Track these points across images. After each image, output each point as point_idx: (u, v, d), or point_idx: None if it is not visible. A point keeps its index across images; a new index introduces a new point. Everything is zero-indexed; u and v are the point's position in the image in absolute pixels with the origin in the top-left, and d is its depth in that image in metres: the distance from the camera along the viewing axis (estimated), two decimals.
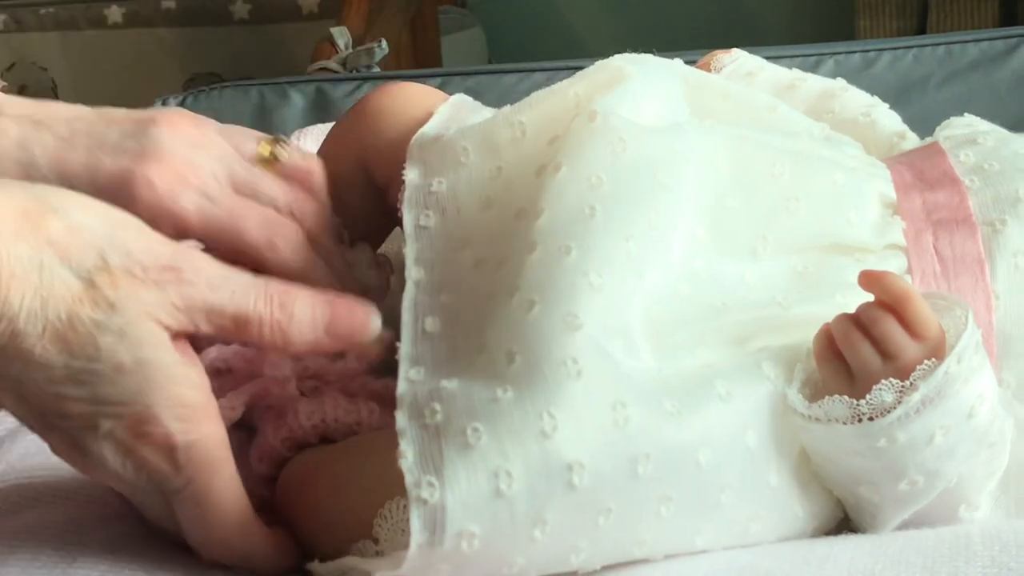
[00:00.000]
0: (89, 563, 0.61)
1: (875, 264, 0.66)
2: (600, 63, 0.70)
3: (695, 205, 0.64)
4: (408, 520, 0.54)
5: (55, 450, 0.58)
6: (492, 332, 0.58)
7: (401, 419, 0.55)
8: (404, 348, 0.59)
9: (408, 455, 0.54)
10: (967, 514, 0.62)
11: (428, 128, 0.70)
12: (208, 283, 0.56)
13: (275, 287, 0.58)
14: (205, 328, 0.57)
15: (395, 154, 0.69)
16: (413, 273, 0.63)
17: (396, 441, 0.55)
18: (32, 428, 0.57)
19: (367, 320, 0.60)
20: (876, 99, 0.84)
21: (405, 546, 0.54)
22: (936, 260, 0.68)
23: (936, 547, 0.59)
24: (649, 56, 0.72)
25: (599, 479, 0.55)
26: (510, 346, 0.56)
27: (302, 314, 0.58)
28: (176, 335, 0.56)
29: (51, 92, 2.28)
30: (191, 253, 0.57)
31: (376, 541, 0.59)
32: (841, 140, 0.77)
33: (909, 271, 0.67)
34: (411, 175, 0.67)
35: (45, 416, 0.56)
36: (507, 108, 0.68)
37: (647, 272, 0.60)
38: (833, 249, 0.67)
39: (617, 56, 0.71)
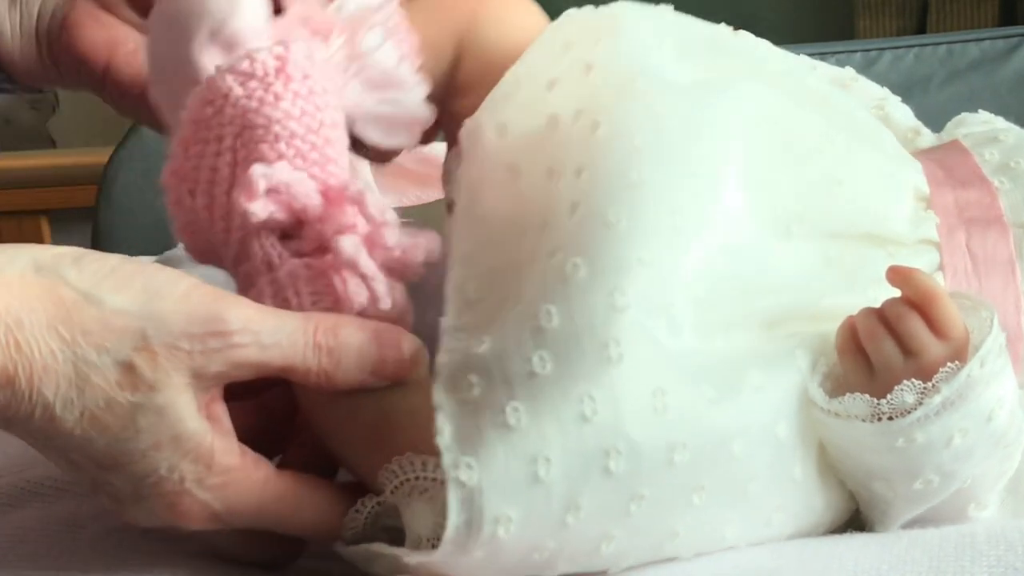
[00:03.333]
0: (87, 559, 0.61)
1: (907, 258, 0.66)
2: (589, 9, 0.67)
3: (739, 173, 0.62)
4: (417, 482, 0.54)
5: (108, 506, 0.57)
6: (529, 285, 0.57)
7: (438, 393, 0.54)
8: (449, 319, 0.58)
9: (445, 432, 0.53)
10: (976, 513, 0.62)
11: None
12: (258, 343, 0.55)
13: (323, 333, 0.57)
14: (247, 378, 0.56)
15: (498, 60, 0.66)
16: (459, 251, 0.61)
17: (418, 394, 0.55)
18: (85, 488, 0.57)
19: (415, 360, 0.59)
20: (887, 90, 0.83)
21: (414, 510, 0.54)
22: (968, 258, 0.67)
23: (941, 547, 0.58)
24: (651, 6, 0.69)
25: (636, 465, 0.54)
26: (549, 303, 0.55)
27: (349, 361, 0.57)
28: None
29: (52, 96, 2.28)
30: (237, 307, 0.55)
31: (378, 493, 0.58)
32: (881, 126, 0.76)
33: (941, 268, 0.67)
34: (458, 163, 0.65)
35: (95, 483, 0.56)
36: None
37: (691, 246, 0.59)
38: (867, 239, 0.66)
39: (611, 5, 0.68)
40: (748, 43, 0.72)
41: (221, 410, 0.56)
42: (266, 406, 0.63)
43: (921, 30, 2.23)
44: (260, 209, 0.57)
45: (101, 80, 0.69)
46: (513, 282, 0.58)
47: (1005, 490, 0.63)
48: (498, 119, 0.64)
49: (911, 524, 0.62)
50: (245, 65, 0.58)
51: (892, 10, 2.27)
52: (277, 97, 0.58)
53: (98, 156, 1.66)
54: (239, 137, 0.58)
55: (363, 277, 0.58)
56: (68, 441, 0.54)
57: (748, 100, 0.65)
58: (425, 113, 0.67)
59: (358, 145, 0.66)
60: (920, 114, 0.84)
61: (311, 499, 0.59)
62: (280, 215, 0.58)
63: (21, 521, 0.67)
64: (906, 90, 1.25)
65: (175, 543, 0.62)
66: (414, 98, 0.67)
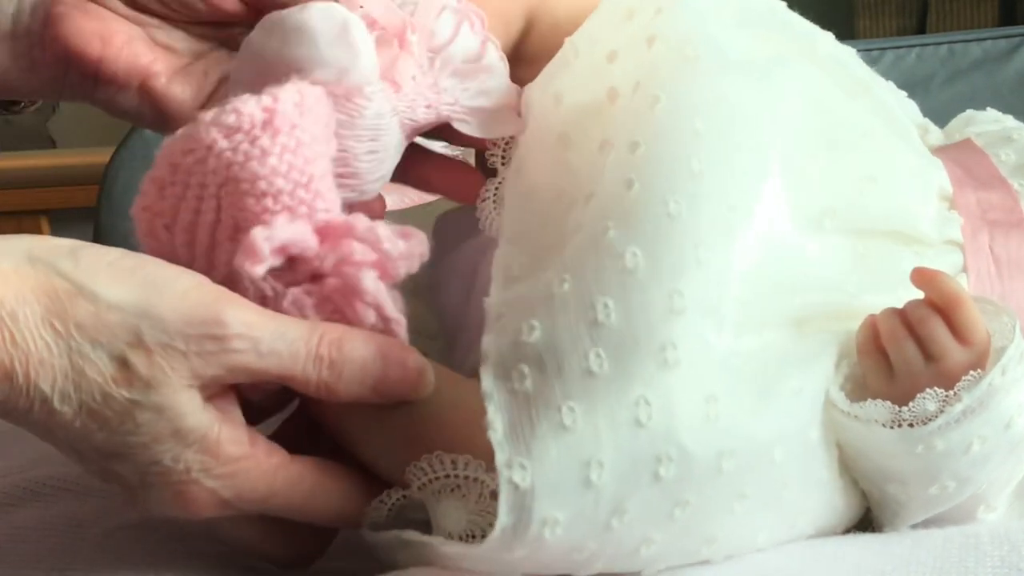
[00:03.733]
0: (88, 559, 0.61)
1: (932, 258, 0.66)
2: None
3: (781, 164, 0.61)
4: (448, 480, 0.53)
5: (118, 490, 0.57)
6: (581, 270, 0.55)
7: (487, 380, 0.53)
8: (493, 298, 0.57)
9: (497, 427, 0.52)
10: (985, 515, 0.62)
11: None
12: (256, 350, 0.54)
13: (326, 345, 0.56)
14: (245, 382, 0.56)
15: (565, 30, 0.65)
16: (507, 229, 0.60)
17: (448, 393, 0.55)
18: (95, 477, 0.57)
19: (419, 380, 0.58)
20: (891, 84, 0.81)
21: (444, 507, 0.54)
22: (991, 261, 0.67)
23: (945, 547, 0.58)
24: None
25: (685, 472, 0.53)
26: (606, 296, 0.54)
27: (351, 375, 0.56)
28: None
29: None
30: (238, 309, 0.55)
31: (405, 487, 0.57)
32: (908, 120, 0.75)
33: (964, 269, 0.67)
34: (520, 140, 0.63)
35: (103, 472, 0.56)
36: None
37: (740, 244, 0.58)
38: (895, 237, 0.66)
39: None
40: (801, 20, 0.71)
41: (226, 399, 0.56)
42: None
43: (921, 30, 2.23)
44: (263, 269, 0.56)
45: (94, 76, 0.65)
46: (557, 257, 0.57)
47: (1012, 493, 0.63)
48: (555, 87, 0.63)
49: (918, 525, 0.62)
50: (231, 119, 0.56)
51: (892, 10, 2.27)
52: (264, 152, 0.56)
53: (98, 156, 1.66)
54: (223, 187, 0.56)
55: (378, 308, 0.57)
56: (69, 433, 0.53)
57: (801, 86, 0.64)
58: (516, 96, 0.65)
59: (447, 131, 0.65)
60: (922, 113, 0.83)
61: (329, 486, 0.58)
62: (276, 262, 0.57)
63: (21, 521, 0.67)
64: (907, 90, 1.24)
65: (177, 542, 0.62)
66: (504, 81, 0.65)
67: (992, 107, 0.84)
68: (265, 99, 0.56)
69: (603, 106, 0.61)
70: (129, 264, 0.55)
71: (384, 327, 0.57)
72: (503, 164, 0.65)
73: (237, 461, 0.55)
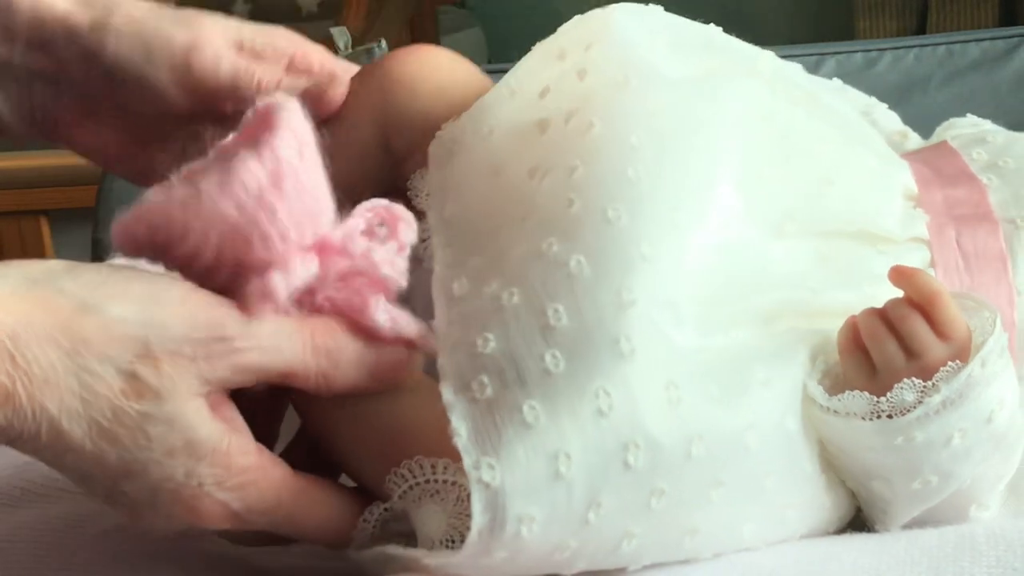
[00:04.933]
0: (88, 559, 0.61)
1: (898, 255, 0.66)
2: (580, 17, 0.67)
3: (733, 172, 0.63)
4: (427, 486, 0.54)
5: (121, 518, 0.57)
6: (527, 281, 0.57)
7: (447, 392, 0.54)
8: (439, 320, 0.58)
9: (462, 432, 0.53)
10: (978, 514, 0.63)
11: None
12: (260, 347, 0.55)
13: (320, 335, 0.56)
14: (249, 383, 0.56)
15: (420, 125, 0.67)
16: (441, 256, 0.61)
17: (425, 399, 0.55)
18: (99, 501, 0.57)
19: (411, 359, 0.59)
20: (874, 99, 0.84)
21: (425, 513, 0.54)
22: (959, 255, 0.68)
23: (941, 547, 0.58)
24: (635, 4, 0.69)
25: (655, 459, 0.54)
26: (555, 303, 0.55)
27: (348, 362, 0.57)
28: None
29: None
30: (233, 310, 0.55)
31: (387, 498, 0.58)
32: (870, 127, 0.76)
33: (932, 264, 0.67)
34: (431, 171, 0.65)
35: (109, 495, 0.55)
36: None
37: (690, 243, 0.60)
38: (859, 237, 0.67)
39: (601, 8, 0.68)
40: (739, 43, 0.72)
41: (230, 409, 0.56)
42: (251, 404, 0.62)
43: (921, 30, 2.23)
44: (274, 310, 0.56)
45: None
46: (498, 272, 0.58)
47: (1007, 490, 0.63)
48: (489, 123, 0.65)
49: (911, 524, 0.62)
50: (238, 188, 0.54)
51: (892, 11, 2.27)
52: (274, 211, 0.55)
53: None
54: (225, 236, 0.55)
55: (398, 334, 0.58)
56: (80, 456, 0.53)
57: (743, 97, 0.65)
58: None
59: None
60: (920, 114, 0.84)
61: (324, 500, 0.58)
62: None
63: (21, 521, 0.67)
64: (906, 90, 1.25)
65: (174, 541, 0.62)
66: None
67: (990, 107, 0.85)
68: (267, 158, 0.55)
69: (533, 136, 0.63)
70: (123, 276, 0.54)
71: (409, 345, 0.58)
72: (427, 196, 0.65)
73: (246, 471, 0.55)
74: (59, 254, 1.97)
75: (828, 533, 0.63)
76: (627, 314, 0.55)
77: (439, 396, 0.55)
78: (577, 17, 0.67)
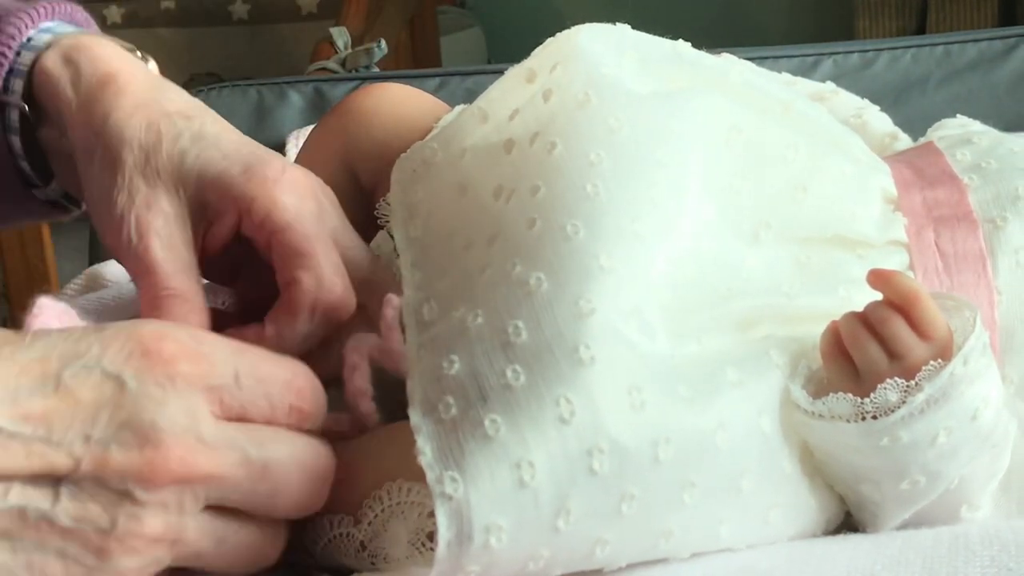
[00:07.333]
0: None
1: (877, 259, 0.67)
2: (551, 39, 0.68)
3: (702, 183, 0.63)
4: (405, 503, 0.54)
5: None
6: (491, 303, 0.57)
7: (415, 415, 0.55)
8: (409, 345, 0.59)
9: (426, 451, 0.54)
10: (969, 514, 0.62)
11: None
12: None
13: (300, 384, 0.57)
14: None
15: (383, 155, 0.69)
16: (409, 277, 0.63)
17: (400, 428, 0.56)
18: None
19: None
20: (866, 101, 0.84)
21: (397, 537, 0.55)
22: (938, 256, 0.68)
23: (935, 547, 0.58)
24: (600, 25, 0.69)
25: (621, 464, 0.54)
26: (515, 319, 0.56)
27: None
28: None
29: None
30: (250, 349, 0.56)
31: (357, 522, 0.59)
32: (849, 132, 0.76)
33: (911, 267, 0.68)
34: (394, 192, 0.67)
35: None
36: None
37: (656, 252, 0.60)
38: (836, 242, 0.67)
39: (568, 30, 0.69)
40: (710, 58, 0.72)
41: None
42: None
43: (921, 30, 2.23)
44: None
45: None
46: (466, 296, 0.59)
47: (999, 490, 0.63)
48: (460, 146, 0.66)
49: (904, 526, 0.62)
50: None
51: (891, 10, 2.27)
52: None
53: None
54: None
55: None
56: None
57: (710, 109, 0.66)
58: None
59: None
60: (918, 114, 0.84)
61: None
62: None
63: None
64: (904, 90, 1.25)
65: None
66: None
67: (988, 107, 0.85)
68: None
69: (499, 156, 0.64)
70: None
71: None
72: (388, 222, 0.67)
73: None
74: (59, 255, 1.98)
75: (819, 534, 0.63)
76: (586, 322, 0.56)
77: (399, 427, 0.57)
78: (549, 39, 0.68)
